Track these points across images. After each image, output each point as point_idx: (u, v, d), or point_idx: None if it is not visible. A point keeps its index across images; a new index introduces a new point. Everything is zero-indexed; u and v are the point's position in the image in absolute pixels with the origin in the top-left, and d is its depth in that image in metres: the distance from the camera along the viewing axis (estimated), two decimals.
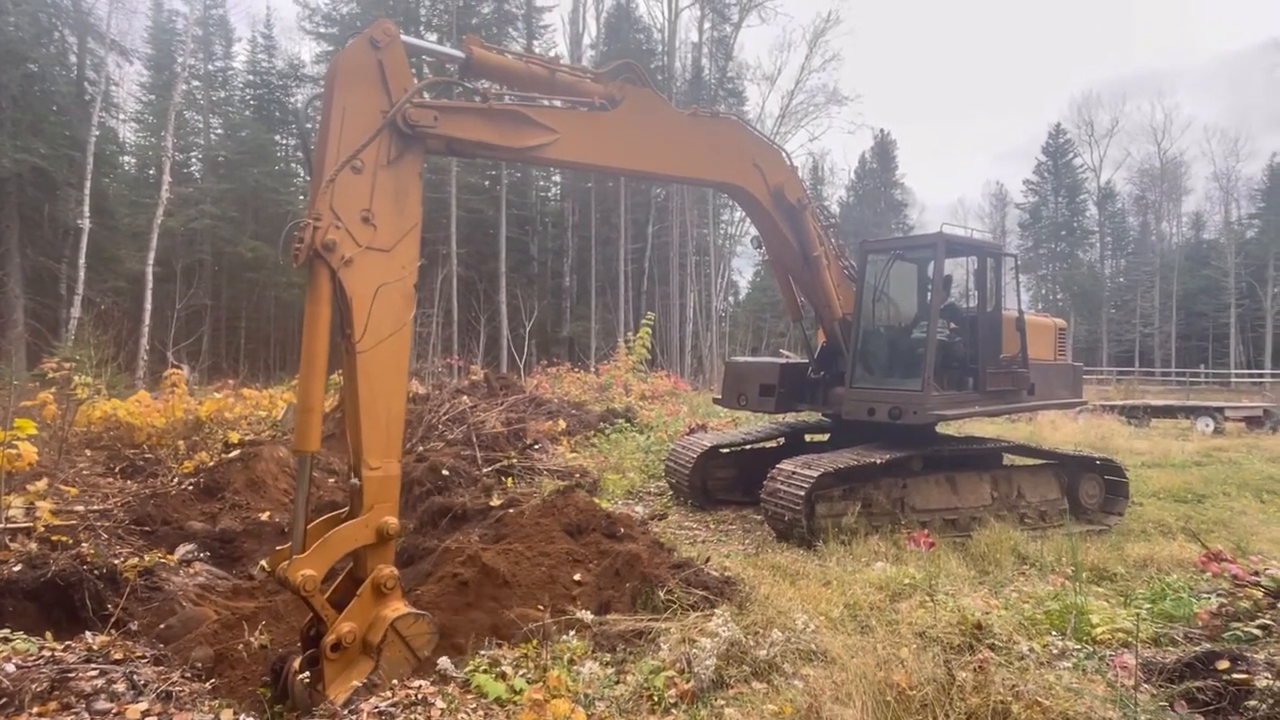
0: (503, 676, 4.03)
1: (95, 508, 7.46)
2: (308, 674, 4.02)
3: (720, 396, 10.73)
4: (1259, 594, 4.97)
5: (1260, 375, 47.75)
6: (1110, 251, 69.88)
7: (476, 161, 41.88)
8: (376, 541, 4.33)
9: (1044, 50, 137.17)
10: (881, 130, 70.60)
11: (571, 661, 4.20)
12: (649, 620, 4.64)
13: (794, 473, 7.96)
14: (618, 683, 4.00)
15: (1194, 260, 63.68)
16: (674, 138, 7.11)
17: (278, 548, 4.13)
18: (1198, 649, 4.08)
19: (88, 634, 4.64)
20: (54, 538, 6.08)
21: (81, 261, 27.03)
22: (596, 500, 9.29)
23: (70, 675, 3.92)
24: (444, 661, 4.18)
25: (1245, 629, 4.52)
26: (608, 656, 4.31)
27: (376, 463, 4.39)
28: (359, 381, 4.37)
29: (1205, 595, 5.47)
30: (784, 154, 8.59)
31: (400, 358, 4.62)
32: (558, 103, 6.06)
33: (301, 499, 4.19)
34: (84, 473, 9.13)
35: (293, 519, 4.19)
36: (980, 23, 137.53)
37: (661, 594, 4.92)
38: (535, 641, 4.37)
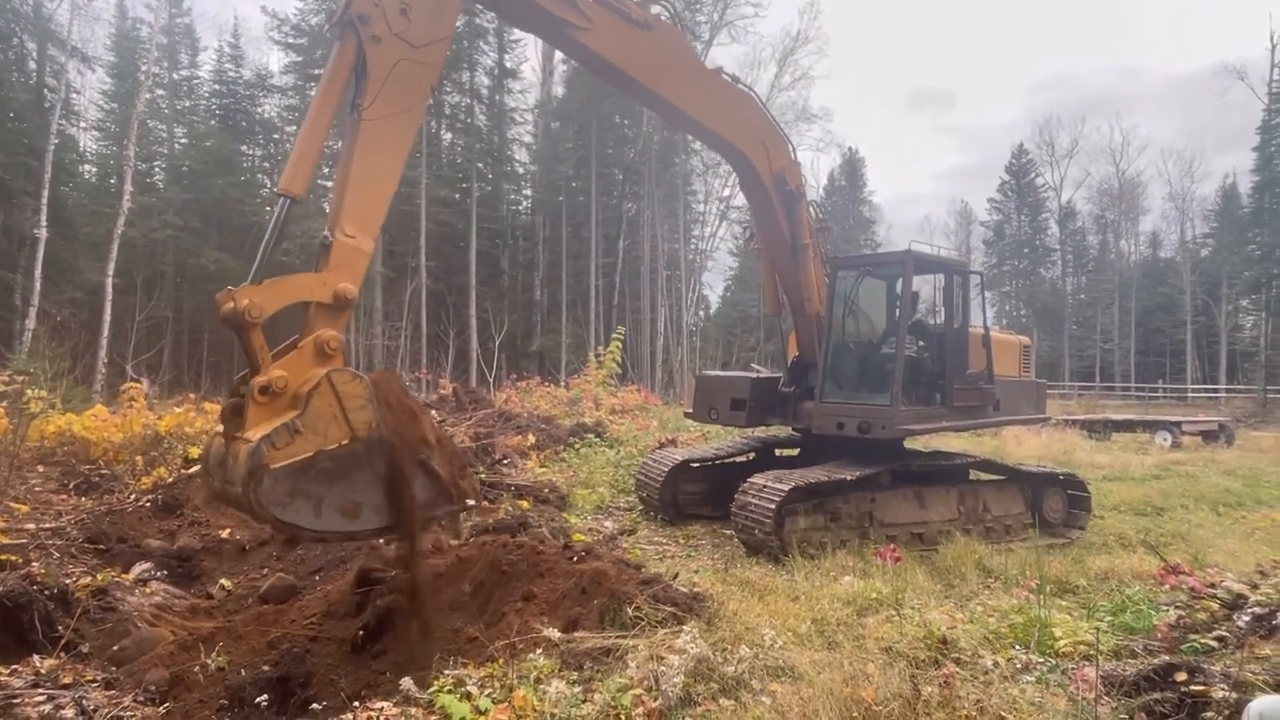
0: (468, 696, 3.95)
1: (47, 525, 7.24)
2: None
3: (691, 411, 10.74)
4: (1215, 606, 5.07)
5: (1216, 390, 49.07)
6: (1071, 269, 71.45)
7: (446, 174, 41.79)
8: (331, 303, 4.43)
9: (1001, 71, 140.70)
10: (850, 148, 71.72)
11: (538, 680, 4.13)
12: (616, 638, 4.60)
13: (765, 486, 7.98)
14: (584, 702, 3.94)
15: (1151, 278, 65.30)
16: (695, 80, 7.66)
17: (227, 288, 4.16)
18: (1157, 661, 4.14)
19: (35, 657, 4.49)
20: (3, 557, 5.88)
21: (37, 272, 26.36)
22: (566, 515, 9.24)
23: (15, 701, 3.78)
24: (406, 682, 4.10)
25: (1202, 640, 4.59)
26: (575, 675, 4.26)
27: (353, 231, 4.59)
28: (357, 149, 4.65)
29: (1164, 607, 5.56)
30: (790, 145, 8.93)
31: (400, 144, 4.91)
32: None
33: (269, 237, 4.39)
34: (36, 489, 8.86)
35: (256, 263, 4.31)
36: (936, 41, 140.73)
37: (629, 611, 4.87)
38: (501, 660, 4.31)
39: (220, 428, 4.29)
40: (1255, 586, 5.26)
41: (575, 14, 6.19)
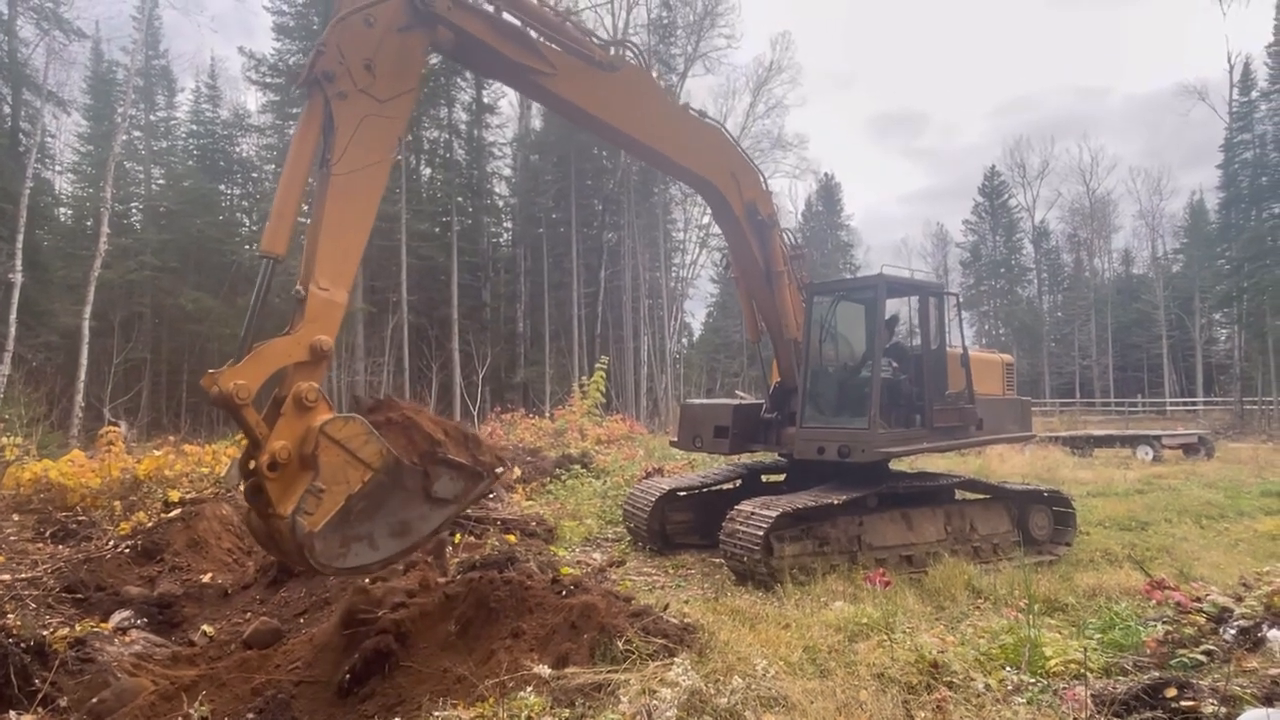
0: None
1: (23, 575, 7.09)
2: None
3: (676, 439, 10.74)
4: (1202, 620, 5.09)
5: (1193, 403, 49.65)
6: (1047, 287, 72.48)
7: (425, 208, 41.89)
8: (309, 359, 4.51)
9: (966, 95, 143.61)
10: (826, 173, 72.73)
11: (530, 719, 4.08)
12: (608, 672, 4.55)
13: (752, 513, 7.97)
14: None
15: (1125, 294, 66.37)
16: (663, 117, 7.74)
17: (209, 371, 4.24)
18: (1146, 678, 4.15)
19: (12, 713, 4.38)
20: None
21: (12, 317, 25.98)
22: (554, 548, 9.16)
23: None
24: None
25: (1190, 655, 4.61)
26: (566, 712, 4.20)
27: (326, 284, 4.65)
28: (328, 202, 4.74)
29: (1152, 623, 5.58)
30: (760, 175, 9.05)
31: (370, 196, 5.00)
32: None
33: (255, 301, 4.47)
34: (11, 538, 8.69)
35: (244, 329, 4.41)
36: (902, 67, 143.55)
37: (620, 644, 4.83)
38: (491, 699, 4.25)
39: (249, 506, 4.50)
40: (1240, 599, 5.29)
41: (539, 60, 6.25)
